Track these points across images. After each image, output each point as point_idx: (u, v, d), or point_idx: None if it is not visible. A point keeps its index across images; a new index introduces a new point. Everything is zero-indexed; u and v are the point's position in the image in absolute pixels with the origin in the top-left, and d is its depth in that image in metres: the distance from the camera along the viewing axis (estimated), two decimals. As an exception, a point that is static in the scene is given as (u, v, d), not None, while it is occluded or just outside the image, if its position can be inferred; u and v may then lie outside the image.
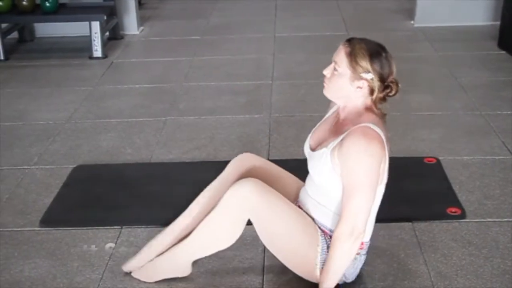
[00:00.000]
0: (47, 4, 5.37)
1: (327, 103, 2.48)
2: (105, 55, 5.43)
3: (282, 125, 3.94)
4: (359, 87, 2.23)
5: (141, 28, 6.24)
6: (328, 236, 2.32)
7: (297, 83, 4.61)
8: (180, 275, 2.49)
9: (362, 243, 2.33)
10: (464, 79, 4.60)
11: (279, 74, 4.85)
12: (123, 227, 2.91)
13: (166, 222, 2.78)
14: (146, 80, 4.87)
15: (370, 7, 6.75)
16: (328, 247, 2.29)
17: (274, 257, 2.42)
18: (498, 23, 5.34)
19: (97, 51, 5.41)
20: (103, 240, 2.81)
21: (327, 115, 2.49)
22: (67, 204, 3.12)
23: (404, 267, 2.56)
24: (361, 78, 2.21)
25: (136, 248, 2.71)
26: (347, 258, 2.25)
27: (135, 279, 2.52)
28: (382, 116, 2.29)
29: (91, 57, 5.41)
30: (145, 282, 2.50)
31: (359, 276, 2.44)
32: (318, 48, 5.36)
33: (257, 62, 5.17)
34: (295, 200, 2.49)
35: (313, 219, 2.36)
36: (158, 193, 3.17)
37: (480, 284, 2.45)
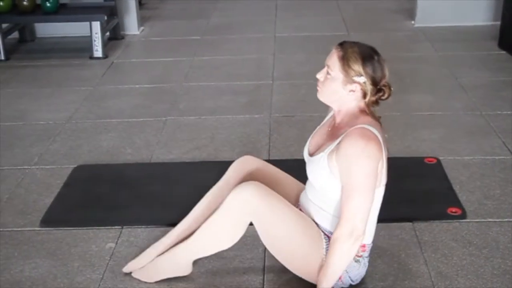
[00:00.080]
0: (48, 4, 5.37)
1: (326, 105, 2.49)
2: (105, 55, 5.43)
3: (283, 125, 3.94)
4: (352, 90, 2.24)
5: (142, 28, 6.24)
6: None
7: (297, 83, 4.61)
8: (180, 274, 2.49)
9: (364, 245, 2.33)
10: (465, 79, 4.60)
11: (279, 74, 4.85)
12: (124, 227, 2.91)
13: (166, 222, 2.79)
14: (147, 80, 4.87)
15: (371, 7, 6.75)
16: (332, 250, 2.29)
17: (275, 257, 2.42)
18: (499, 23, 5.34)
19: (98, 51, 5.41)
20: (103, 240, 2.81)
21: (324, 120, 2.49)
22: (68, 204, 3.12)
23: (405, 267, 2.56)
24: (354, 82, 2.22)
25: (136, 248, 2.71)
26: (346, 259, 2.25)
27: (136, 279, 2.52)
28: (377, 118, 2.30)
29: (91, 57, 5.41)
30: (145, 282, 2.50)
31: (360, 276, 2.45)
32: (319, 48, 5.36)
33: (258, 62, 5.17)
34: (296, 203, 2.49)
35: (315, 222, 2.36)
36: (158, 193, 3.18)
37: (481, 284, 2.45)
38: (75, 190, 3.25)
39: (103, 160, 3.59)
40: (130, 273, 2.55)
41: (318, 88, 2.32)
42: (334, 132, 2.32)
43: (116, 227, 2.91)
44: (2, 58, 5.40)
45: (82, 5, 5.76)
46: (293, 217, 2.32)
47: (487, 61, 4.99)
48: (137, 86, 4.75)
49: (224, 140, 3.77)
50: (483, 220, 2.88)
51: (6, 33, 5.55)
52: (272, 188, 2.39)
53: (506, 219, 2.88)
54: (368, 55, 2.22)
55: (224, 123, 4.00)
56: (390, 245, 2.70)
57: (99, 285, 2.52)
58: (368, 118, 2.26)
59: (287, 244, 2.33)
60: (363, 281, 2.44)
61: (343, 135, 2.23)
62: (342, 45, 2.26)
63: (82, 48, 5.59)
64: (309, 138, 2.49)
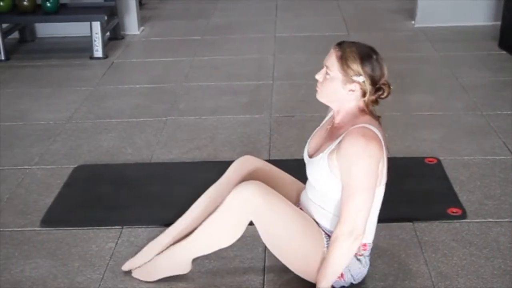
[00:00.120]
0: (48, 4, 5.37)
1: (326, 105, 2.49)
2: (105, 55, 5.43)
3: (283, 125, 3.94)
4: (351, 90, 2.24)
5: (142, 28, 6.24)
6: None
7: (297, 83, 4.61)
8: (180, 273, 2.49)
9: (365, 244, 2.34)
10: (465, 79, 4.60)
11: (279, 74, 4.85)
12: (124, 227, 2.91)
13: (166, 222, 2.78)
14: (147, 80, 4.87)
15: (371, 7, 6.75)
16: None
17: (275, 257, 2.42)
18: (499, 23, 5.34)
19: (98, 51, 5.41)
20: (104, 240, 2.81)
21: (324, 121, 2.50)
22: (68, 204, 3.12)
23: (405, 267, 2.56)
24: (353, 81, 2.22)
25: (137, 248, 2.71)
26: (345, 258, 2.25)
27: (136, 279, 2.52)
28: (377, 118, 2.30)
29: (91, 57, 5.41)
30: (145, 282, 2.50)
31: (360, 276, 2.45)
32: (319, 48, 5.35)
33: (258, 62, 5.17)
34: (296, 203, 2.49)
35: (316, 222, 2.36)
36: (158, 193, 3.18)
37: (481, 284, 2.45)
38: (75, 190, 3.25)
39: (103, 160, 3.59)
40: (130, 272, 2.55)
41: (317, 89, 2.32)
42: (334, 132, 2.33)
43: (116, 227, 2.91)
44: (3, 58, 5.40)
45: (82, 5, 5.76)
46: (294, 216, 2.32)
47: (487, 61, 4.99)
48: (137, 86, 4.75)
49: (224, 140, 3.77)
50: (483, 220, 2.88)
51: (6, 33, 5.55)
52: (272, 188, 2.39)
53: (506, 219, 2.88)
54: (366, 55, 2.22)
55: (224, 123, 4.00)
56: (390, 245, 2.70)
57: (99, 285, 2.52)
58: (368, 118, 2.26)
59: (287, 243, 2.33)
60: (363, 281, 2.44)
61: (343, 135, 2.23)
62: (340, 45, 2.26)
63: (83, 48, 5.59)
64: (309, 140, 2.49)
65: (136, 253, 2.62)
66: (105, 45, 5.49)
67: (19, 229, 2.94)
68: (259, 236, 2.38)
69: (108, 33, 5.77)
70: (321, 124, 2.49)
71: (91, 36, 5.38)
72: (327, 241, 2.31)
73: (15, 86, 4.83)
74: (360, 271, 2.36)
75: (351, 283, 2.38)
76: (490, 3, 5.84)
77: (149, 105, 4.36)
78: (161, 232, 2.64)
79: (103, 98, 4.52)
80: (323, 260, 2.29)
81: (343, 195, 2.21)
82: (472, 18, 5.89)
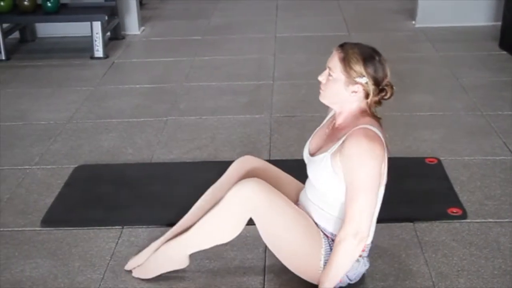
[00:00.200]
0: (49, 4, 5.37)
1: (327, 105, 2.49)
2: (106, 55, 5.43)
3: (283, 125, 3.95)
4: (354, 91, 2.24)
5: (142, 28, 6.24)
6: (330, 239, 2.32)
7: (298, 83, 4.61)
8: (178, 267, 2.47)
9: (364, 245, 2.33)
10: (465, 79, 4.60)
11: (280, 74, 4.85)
12: (124, 227, 2.91)
13: (167, 222, 2.79)
14: (147, 80, 4.87)
15: (371, 7, 6.75)
16: (331, 250, 2.29)
17: (275, 257, 2.42)
18: (499, 23, 5.34)
19: (99, 51, 5.41)
20: (104, 240, 2.82)
21: (324, 121, 2.50)
22: (68, 204, 3.12)
23: (405, 267, 2.56)
24: (356, 83, 2.22)
25: (137, 248, 2.71)
26: (349, 260, 2.25)
27: (136, 279, 2.52)
28: (378, 119, 2.30)
29: (92, 57, 5.41)
30: (146, 282, 2.50)
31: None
32: (319, 48, 5.36)
33: (258, 62, 5.17)
34: (295, 202, 2.49)
35: (314, 222, 2.36)
36: (159, 193, 3.18)
37: (481, 284, 2.45)
38: (75, 190, 3.25)
39: (104, 160, 3.59)
40: (131, 272, 2.55)
41: (320, 91, 2.32)
42: (335, 133, 2.32)
43: (117, 227, 2.91)
44: (3, 58, 5.40)
45: (83, 5, 5.76)
46: (293, 215, 2.32)
47: (487, 61, 4.99)
48: (137, 86, 4.75)
49: (225, 140, 3.77)
50: (483, 220, 2.88)
51: (7, 33, 5.55)
52: (272, 188, 2.39)
53: (506, 220, 2.88)
54: (369, 56, 2.22)
55: (224, 123, 4.01)
56: (391, 245, 2.70)
57: (100, 285, 2.52)
58: (369, 119, 2.26)
59: (287, 242, 2.33)
60: (363, 281, 2.44)
61: (346, 136, 2.23)
62: (342, 46, 2.26)
63: (83, 48, 5.59)
64: (309, 139, 2.49)
65: (136, 253, 2.62)
66: (105, 45, 5.50)
67: (20, 229, 2.94)
68: (259, 236, 2.38)
69: (108, 33, 5.77)
70: (322, 124, 2.49)
71: (91, 36, 5.38)
72: (325, 242, 2.31)
73: (15, 86, 4.83)
74: (357, 271, 2.36)
75: (348, 284, 2.38)
76: (490, 4, 5.84)
77: (149, 105, 4.36)
78: (161, 232, 2.64)
79: (103, 98, 4.52)
80: (320, 260, 2.29)
81: (347, 197, 2.21)
82: (473, 18, 5.88)
